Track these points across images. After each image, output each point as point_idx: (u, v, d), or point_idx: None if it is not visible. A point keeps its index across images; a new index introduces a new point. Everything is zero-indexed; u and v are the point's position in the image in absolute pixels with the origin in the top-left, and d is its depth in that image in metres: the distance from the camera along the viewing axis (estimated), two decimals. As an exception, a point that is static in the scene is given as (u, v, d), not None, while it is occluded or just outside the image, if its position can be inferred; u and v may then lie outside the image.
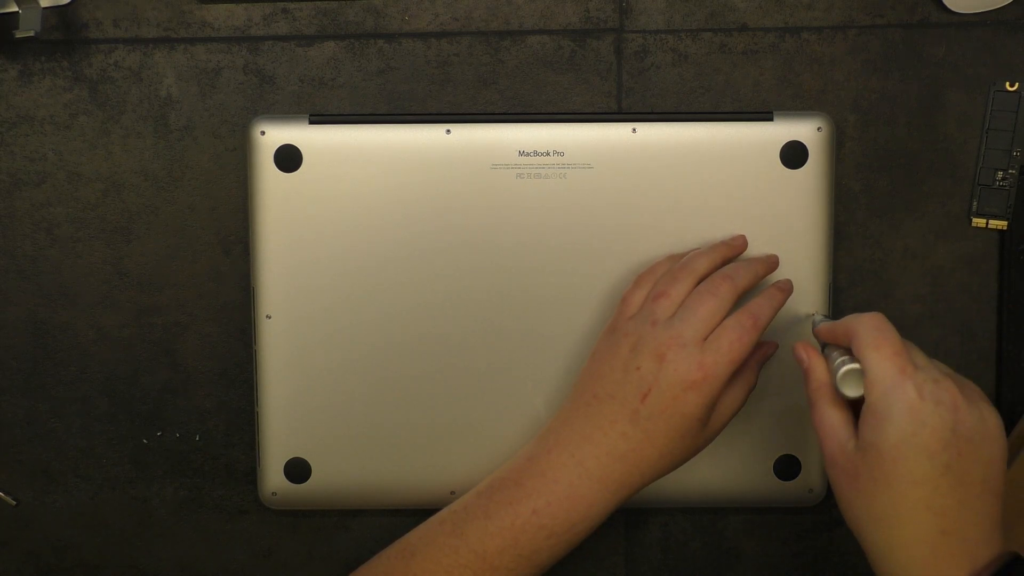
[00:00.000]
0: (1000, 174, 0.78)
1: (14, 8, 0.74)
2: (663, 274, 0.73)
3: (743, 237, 0.75)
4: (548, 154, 0.75)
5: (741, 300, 0.71)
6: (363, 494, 0.78)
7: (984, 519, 0.63)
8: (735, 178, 0.75)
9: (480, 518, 0.71)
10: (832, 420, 0.66)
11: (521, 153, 0.75)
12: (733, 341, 0.69)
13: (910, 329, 0.79)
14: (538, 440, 0.72)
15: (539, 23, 0.77)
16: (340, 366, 0.77)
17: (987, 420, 0.63)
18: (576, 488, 0.70)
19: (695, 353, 0.68)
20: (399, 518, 0.80)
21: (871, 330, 0.65)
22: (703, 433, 0.71)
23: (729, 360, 0.69)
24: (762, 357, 0.74)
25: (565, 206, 0.75)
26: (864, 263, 0.79)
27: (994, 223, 0.79)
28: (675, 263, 0.73)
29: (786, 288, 0.73)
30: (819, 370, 0.67)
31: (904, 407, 0.62)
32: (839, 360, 0.66)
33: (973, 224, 0.79)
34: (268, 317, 0.76)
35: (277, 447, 0.77)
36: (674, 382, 0.68)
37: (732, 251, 0.74)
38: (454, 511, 0.72)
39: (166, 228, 0.79)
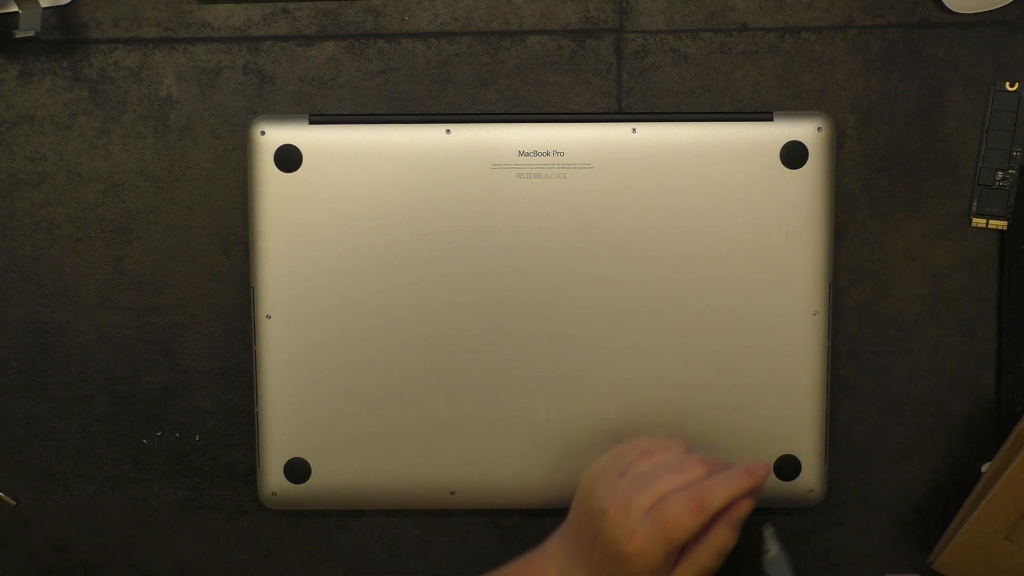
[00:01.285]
0: (1000, 174, 0.78)
1: (14, 8, 0.74)
2: (667, 442, 0.71)
3: (766, 467, 0.69)
4: (548, 154, 0.75)
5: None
6: (363, 494, 0.78)
7: None
8: (735, 178, 0.75)
9: None
10: None
11: (521, 153, 0.75)
12: (669, 520, 0.66)
13: (910, 329, 0.79)
14: (541, 548, 0.73)
15: (539, 23, 0.77)
16: (340, 366, 0.76)
17: None
18: None
19: (633, 520, 0.66)
20: (399, 518, 0.80)
21: None
22: None
23: (665, 539, 0.66)
24: (734, 519, 0.68)
25: (565, 206, 0.75)
26: (864, 263, 0.79)
27: (994, 223, 0.78)
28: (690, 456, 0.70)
29: (758, 474, 0.67)
30: None
31: None
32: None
33: (973, 224, 0.79)
34: (268, 317, 0.76)
35: (277, 447, 0.77)
36: (609, 543, 0.67)
37: (751, 480, 0.68)
38: None
39: (166, 228, 0.79)
